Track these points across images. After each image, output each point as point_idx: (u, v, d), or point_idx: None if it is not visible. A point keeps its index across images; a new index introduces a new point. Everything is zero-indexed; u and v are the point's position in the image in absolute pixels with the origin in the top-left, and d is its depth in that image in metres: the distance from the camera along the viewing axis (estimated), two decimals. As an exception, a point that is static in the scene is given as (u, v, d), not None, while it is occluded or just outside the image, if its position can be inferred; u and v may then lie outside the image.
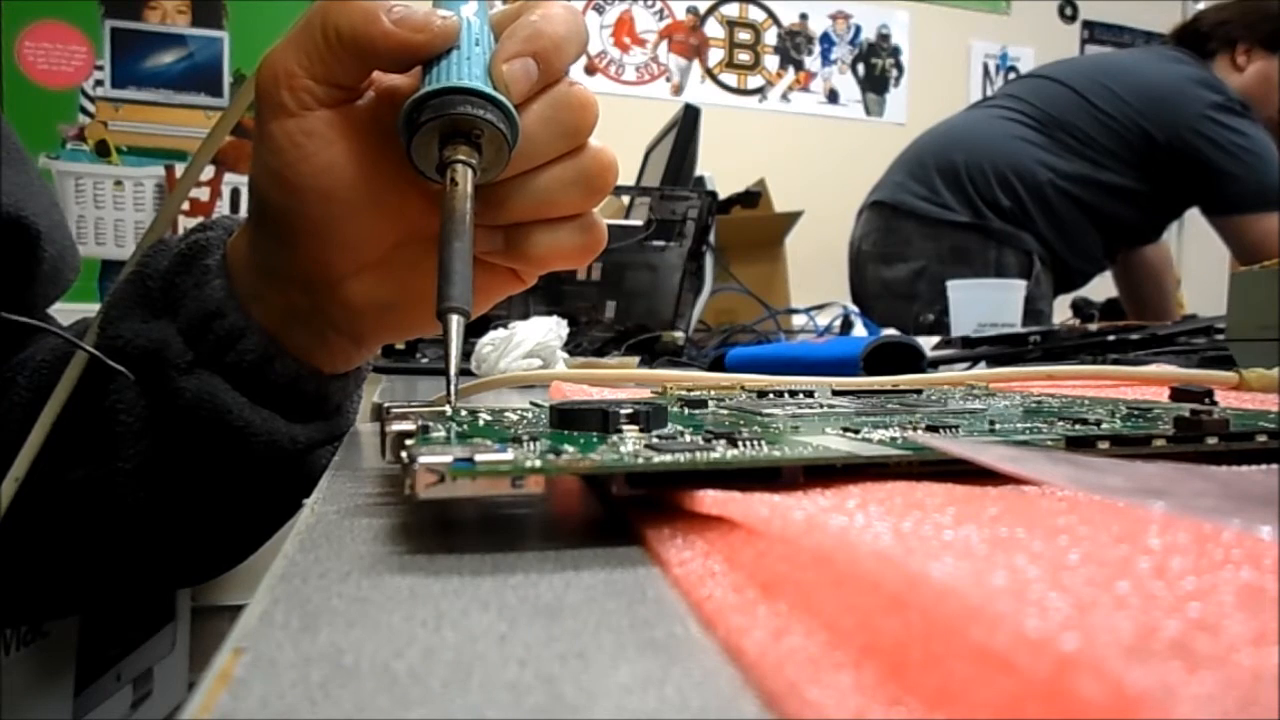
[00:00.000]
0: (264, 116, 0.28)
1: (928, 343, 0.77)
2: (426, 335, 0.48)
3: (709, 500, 0.15)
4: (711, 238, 0.97)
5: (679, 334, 0.88)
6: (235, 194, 1.82)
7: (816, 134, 2.38)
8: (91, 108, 1.79)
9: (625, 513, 0.17)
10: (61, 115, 1.77)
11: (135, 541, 0.35)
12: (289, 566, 0.14)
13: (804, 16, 2.42)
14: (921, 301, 1.38)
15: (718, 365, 0.70)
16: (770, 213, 1.41)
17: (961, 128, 1.49)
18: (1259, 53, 1.37)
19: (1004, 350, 0.74)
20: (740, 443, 0.17)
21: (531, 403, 0.28)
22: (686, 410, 0.26)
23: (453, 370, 0.24)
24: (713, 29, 2.36)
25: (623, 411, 0.19)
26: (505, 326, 0.58)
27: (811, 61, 2.43)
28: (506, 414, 0.24)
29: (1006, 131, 1.41)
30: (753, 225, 1.36)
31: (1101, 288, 1.65)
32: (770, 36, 2.40)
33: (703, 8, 2.35)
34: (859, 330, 1.01)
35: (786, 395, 0.30)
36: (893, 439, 0.19)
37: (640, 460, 0.16)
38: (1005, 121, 1.43)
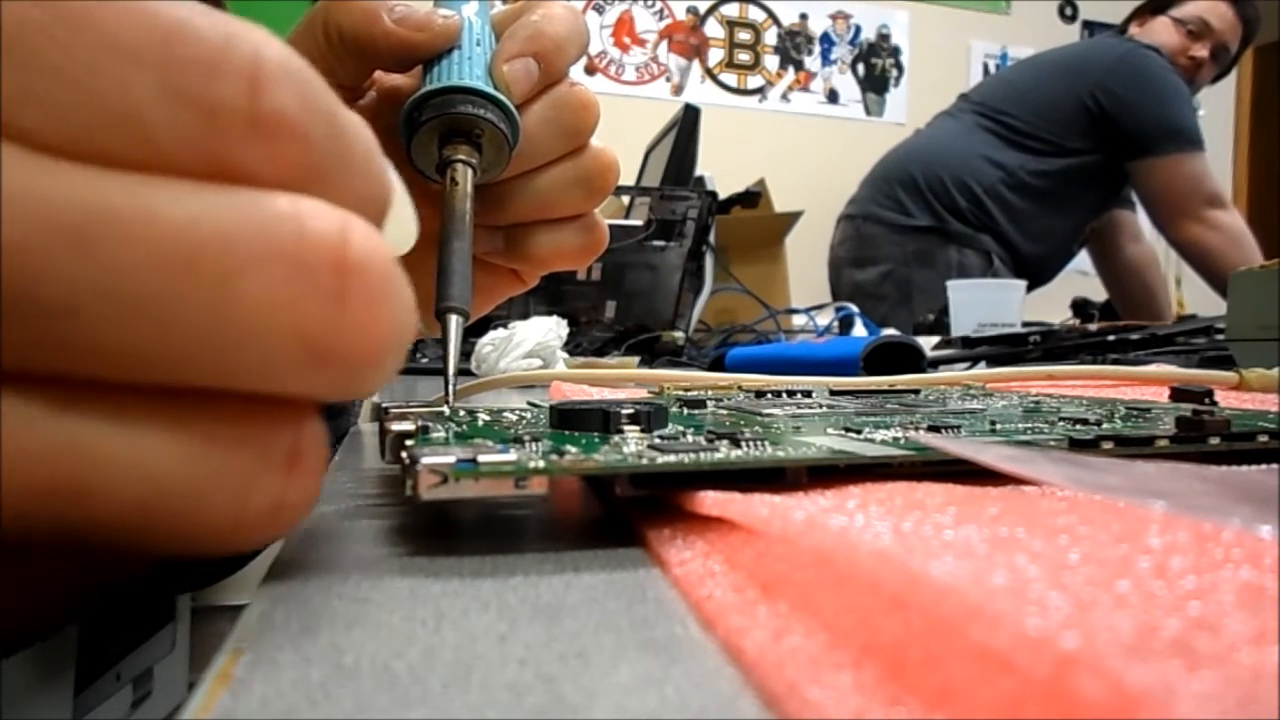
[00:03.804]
0: None
1: (928, 343, 0.77)
2: (426, 335, 0.48)
3: (709, 501, 0.15)
4: (711, 238, 0.97)
5: (679, 334, 0.88)
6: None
7: (816, 134, 2.38)
8: (91, 108, 1.79)
9: (625, 513, 0.17)
10: (61, 115, 1.77)
11: None
12: (289, 566, 0.14)
13: (804, 16, 2.42)
14: (889, 302, 1.50)
15: (718, 365, 0.70)
16: (770, 213, 1.41)
17: (918, 144, 1.63)
18: (1148, 18, 1.55)
19: (1004, 350, 0.73)
20: (743, 443, 0.17)
21: (530, 402, 0.28)
22: (686, 410, 0.26)
23: (451, 370, 0.24)
24: (713, 29, 2.36)
25: (624, 412, 0.19)
26: (505, 326, 0.58)
27: (811, 61, 2.43)
28: (505, 414, 0.24)
29: (957, 139, 1.55)
30: (753, 225, 1.36)
31: (1102, 288, 1.65)
32: (770, 36, 2.40)
33: (703, 8, 2.35)
34: (859, 330, 1.01)
35: (784, 395, 0.30)
36: (895, 439, 0.19)
37: (644, 461, 0.16)
38: (957, 129, 1.57)
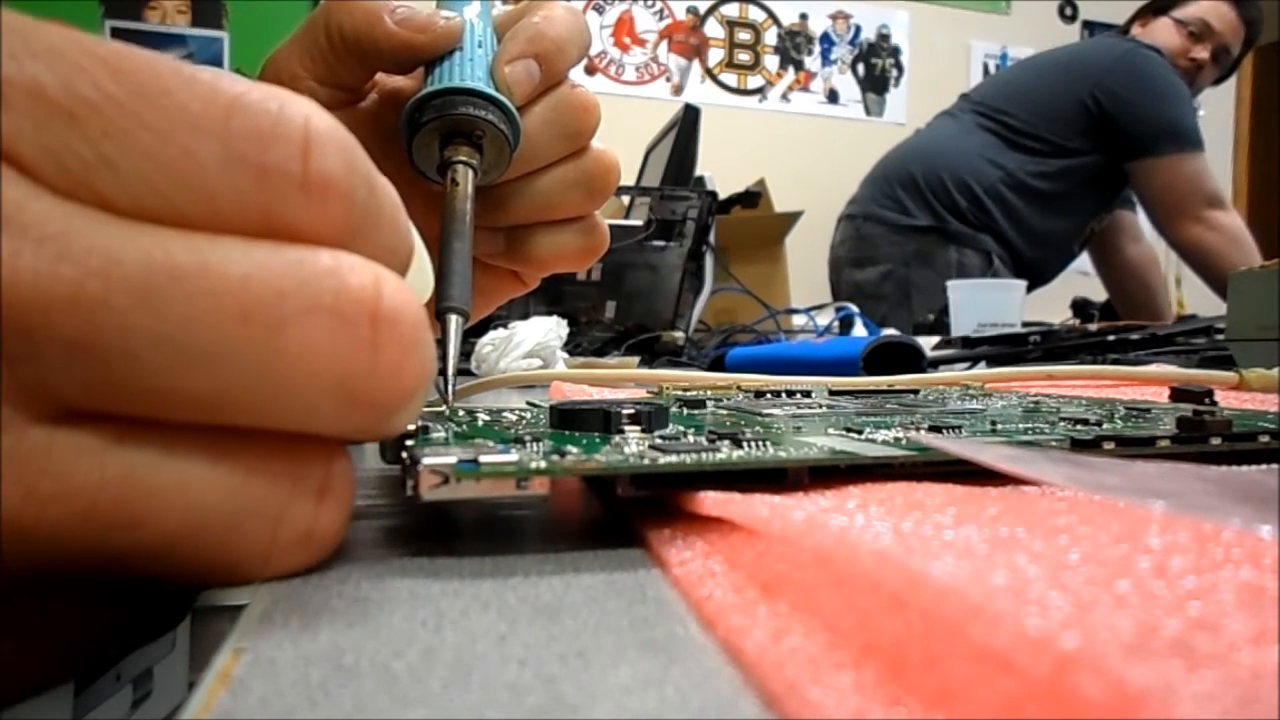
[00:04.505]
0: None
1: (928, 343, 0.77)
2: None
3: (709, 501, 0.15)
4: (711, 238, 0.97)
5: (679, 334, 0.88)
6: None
7: (816, 134, 2.38)
8: (92, 108, 1.79)
9: (626, 513, 0.17)
10: (62, 116, 1.77)
11: None
12: (289, 567, 0.14)
13: (804, 16, 2.42)
14: (888, 302, 1.50)
15: (718, 365, 0.70)
16: (770, 213, 1.42)
17: (918, 144, 1.63)
18: (1150, 19, 1.55)
19: (1004, 350, 0.74)
20: (745, 443, 0.17)
21: (529, 402, 0.28)
22: (685, 410, 0.26)
23: (450, 370, 0.24)
24: (713, 29, 2.36)
25: (624, 412, 0.19)
26: (505, 326, 0.58)
27: (811, 61, 2.43)
28: (505, 414, 0.24)
29: (957, 139, 1.55)
30: (753, 225, 1.36)
31: (1102, 288, 1.65)
32: (770, 36, 2.40)
33: (703, 8, 2.35)
34: (859, 330, 1.01)
35: (784, 395, 0.30)
36: (896, 439, 0.19)
37: (646, 461, 0.16)
38: (957, 129, 1.57)
